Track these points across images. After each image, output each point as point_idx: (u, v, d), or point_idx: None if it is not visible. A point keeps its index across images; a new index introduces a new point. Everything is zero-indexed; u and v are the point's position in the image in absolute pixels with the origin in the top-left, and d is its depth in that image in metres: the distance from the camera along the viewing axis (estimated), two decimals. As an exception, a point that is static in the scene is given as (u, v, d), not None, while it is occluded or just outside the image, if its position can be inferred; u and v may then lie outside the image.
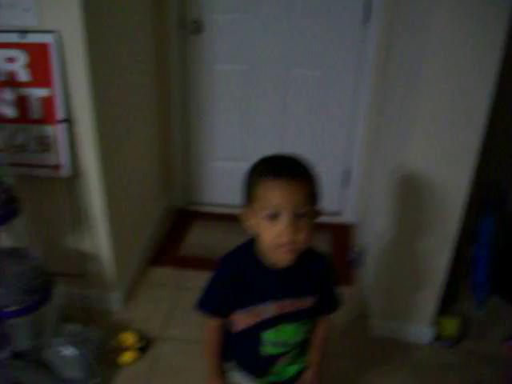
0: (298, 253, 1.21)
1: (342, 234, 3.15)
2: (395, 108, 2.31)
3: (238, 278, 1.30)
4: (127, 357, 2.15)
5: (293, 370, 1.47)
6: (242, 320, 1.34)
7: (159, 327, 2.36)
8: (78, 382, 1.97)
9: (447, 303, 2.53)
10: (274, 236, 1.16)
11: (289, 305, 1.32)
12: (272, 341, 1.35)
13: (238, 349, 1.44)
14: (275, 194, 1.14)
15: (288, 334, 1.36)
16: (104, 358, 2.07)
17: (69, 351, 1.94)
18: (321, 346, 1.50)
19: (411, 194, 2.01)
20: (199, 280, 2.57)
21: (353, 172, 3.11)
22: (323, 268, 1.38)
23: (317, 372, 1.52)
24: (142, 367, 2.16)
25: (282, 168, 1.18)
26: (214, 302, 1.37)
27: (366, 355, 2.28)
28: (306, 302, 1.35)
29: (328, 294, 1.42)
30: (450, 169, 1.93)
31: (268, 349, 1.37)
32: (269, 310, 1.31)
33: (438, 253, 2.12)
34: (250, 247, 1.29)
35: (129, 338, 2.20)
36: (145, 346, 2.22)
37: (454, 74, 1.76)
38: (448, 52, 1.73)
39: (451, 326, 2.35)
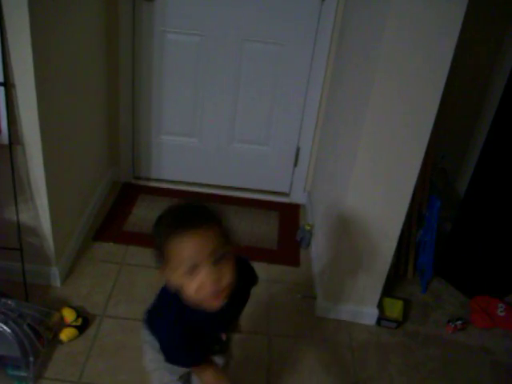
0: (228, 295, 1.19)
1: (290, 213, 3.14)
2: (348, 90, 2.30)
3: (190, 331, 1.29)
4: (66, 334, 2.08)
5: None
6: None
7: (100, 304, 2.30)
8: (13, 359, 1.89)
9: (393, 285, 2.57)
10: (197, 289, 1.14)
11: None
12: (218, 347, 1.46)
13: None
14: (187, 249, 1.12)
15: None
16: (41, 335, 1.99)
17: (4, 327, 1.85)
18: None
19: (360, 175, 2.00)
20: (143, 256, 2.57)
21: (303, 152, 3.09)
22: (246, 268, 1.43)
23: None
24: (81, 345, 2.10)
25: (185, 221, 1.15)
26: (192, 356, 1.35)
27: (311, 335, 2.29)
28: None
29: (250, 275, 1.46)
30: (399, 156, 1.94)
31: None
32: (219, 338, 1.41)
33: (384, 236, 2.13)
34: (178, 301, 1.24)
35: (68, 315, 2.14)
36: (84, 323, 2.15)
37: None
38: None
39: (395, 307, 2.40)
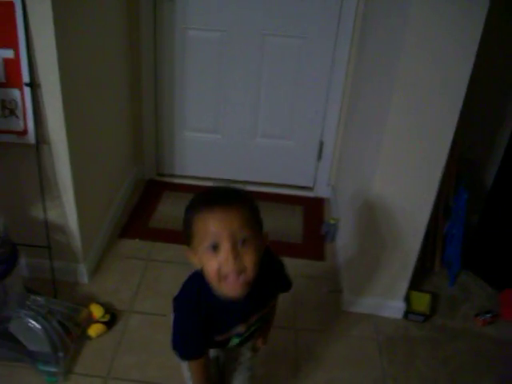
0: (250, 284, 1.18)
1: (314, 207, 3.13)
2: (370, 84, 2.28)
3: (203, 318, 1.29)
4: (94, 330, 2.11)
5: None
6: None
7: (127, 300, 2.32)
8: (43, 355, 1.92)
9: (419, 278, 2.54)
10: (218, 267, 1.14)
11: (255, 317, 1.37)
12: (237, 341, 1.43)
13: None
14: (211, 224, 1.13)
15: (251, 331, 1.44)
16: (70, 331, 2.02)
17: (34, 323, 1.89)
18: (272, 319, 1.60)
19: (386, 167, 1.99)
20: (168, 252, 2.58)
21: (326, 146, 3.07)
22: (279, 269, 1.44)
23: (265, 341, 1.62)
24: (109, 340, 2.12)
25: (215, 198, 1.18)
26: (195, 347, 1.35)
27: (337, 329, 2.28)
28: (268, 307, 1.44)
29: (281, 280, 1.47)
30: (425, 147, 1.91)
31: (233, 342, 1.43)
32: (238, 329, 1.36)
33: (411, 227, 2.11)
34: (201, 285, 1.25)
35: (96, 311, 2.16)
36: (112, 318, 2.17)
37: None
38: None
39: (423, 301, 2.37)
